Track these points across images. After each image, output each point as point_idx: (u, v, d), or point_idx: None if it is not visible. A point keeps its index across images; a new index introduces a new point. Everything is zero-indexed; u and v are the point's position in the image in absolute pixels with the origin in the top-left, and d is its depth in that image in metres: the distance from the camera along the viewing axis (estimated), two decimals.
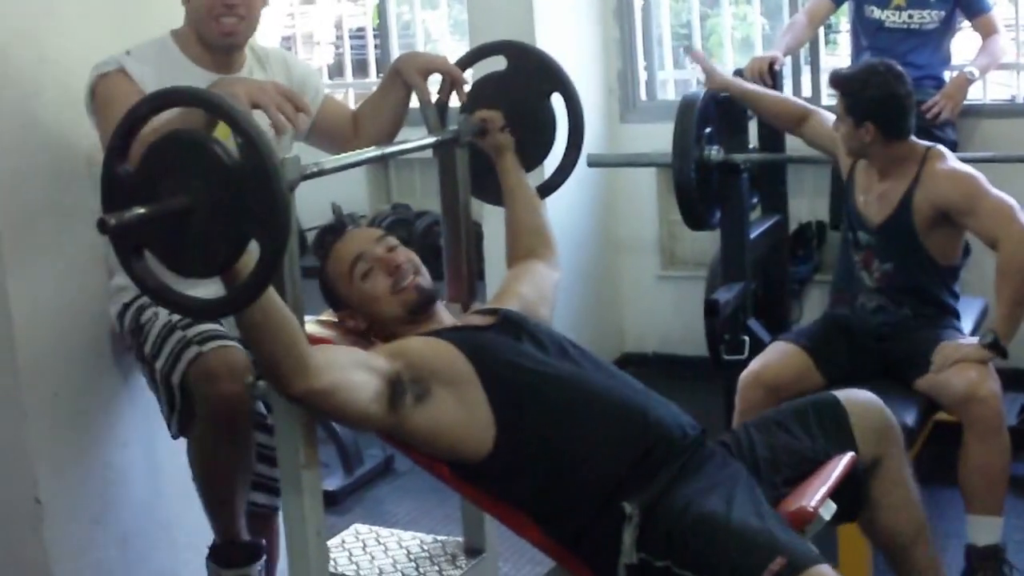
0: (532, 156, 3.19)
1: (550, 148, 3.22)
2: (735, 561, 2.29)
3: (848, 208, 3.84)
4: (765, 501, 2.48)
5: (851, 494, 2.69)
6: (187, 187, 2.13)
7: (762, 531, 2.32)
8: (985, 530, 3.45)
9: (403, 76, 3.10)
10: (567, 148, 3.23)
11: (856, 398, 2.81)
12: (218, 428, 2.89)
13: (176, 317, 2.88)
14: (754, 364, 3.67)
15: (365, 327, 2.78)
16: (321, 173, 2.52)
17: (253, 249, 2.15)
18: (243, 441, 2.98)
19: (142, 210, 2.11)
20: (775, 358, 3.66)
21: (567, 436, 2.55)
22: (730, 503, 2.40)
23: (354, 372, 2.42)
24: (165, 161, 2.17)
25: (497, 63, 3.25)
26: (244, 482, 3.04)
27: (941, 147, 3.71)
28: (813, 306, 4.08)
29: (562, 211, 4.41)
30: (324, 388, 2.36)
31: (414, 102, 3.13)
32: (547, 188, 3.26)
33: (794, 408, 2.86)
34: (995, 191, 3.55)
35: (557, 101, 3.22)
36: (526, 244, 3.11)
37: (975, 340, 3.52)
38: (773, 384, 3.55)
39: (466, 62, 3.24)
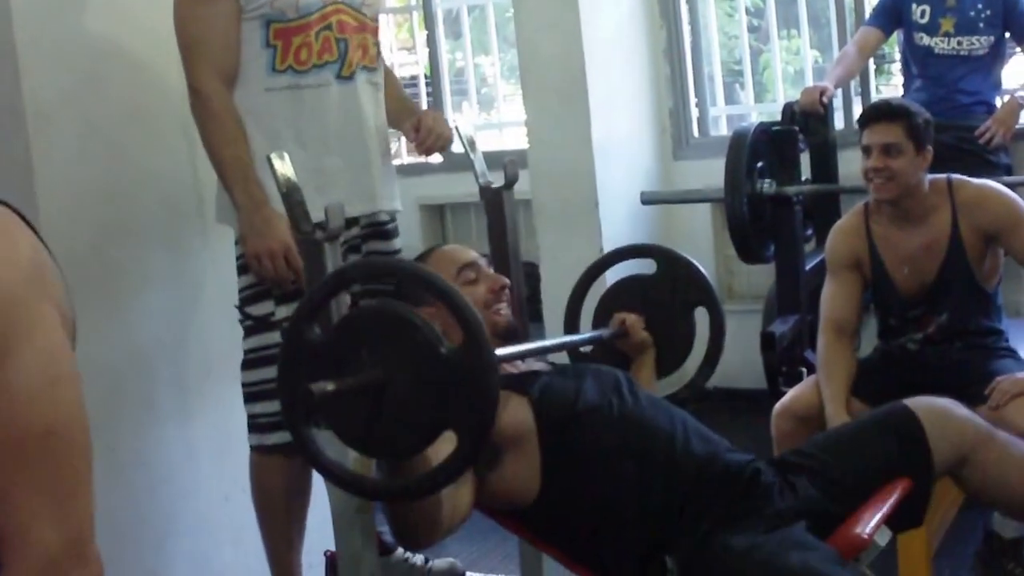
0: (664, 364, 3.13)
1: (683, 361, 3.15)
2: None
3: (885, 302, 3.75)
4: (809, 536, 2.46)
5: (911, 509, 2.67)
6: (383, 363, 2.06)
7: (817, 569, 2.31)
8: (1012, 528, 3.52)
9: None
10: (703, 364, 3.14)
11: (931, 406, 2.75)
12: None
13: None
14: (787, 395, 3.66)
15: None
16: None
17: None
18: (300, 499, 3.17)
19: (332, 386, 2.01)
20: (807, 389, 3.63)
21: (612, 477, 2.53)
22: (780, 545, 2.38)
23: (463, 487, 2.42)
24: (363, 332, 2.11)
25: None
26: (301, 535, 3.14)
27: (955, 175, 3.65)
28: (871, 335, 4.05)
29: None
30: (446, 533, 2.40)
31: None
32: (672, 399, 3.19)
33: (868, 422, 2.85)
34: None
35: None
36: None
37: None
38: (804, 414, 3.53)
39: (611, 261, 3.31)
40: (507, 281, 2.81)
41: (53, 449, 1.28)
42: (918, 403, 2.76)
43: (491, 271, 2.85)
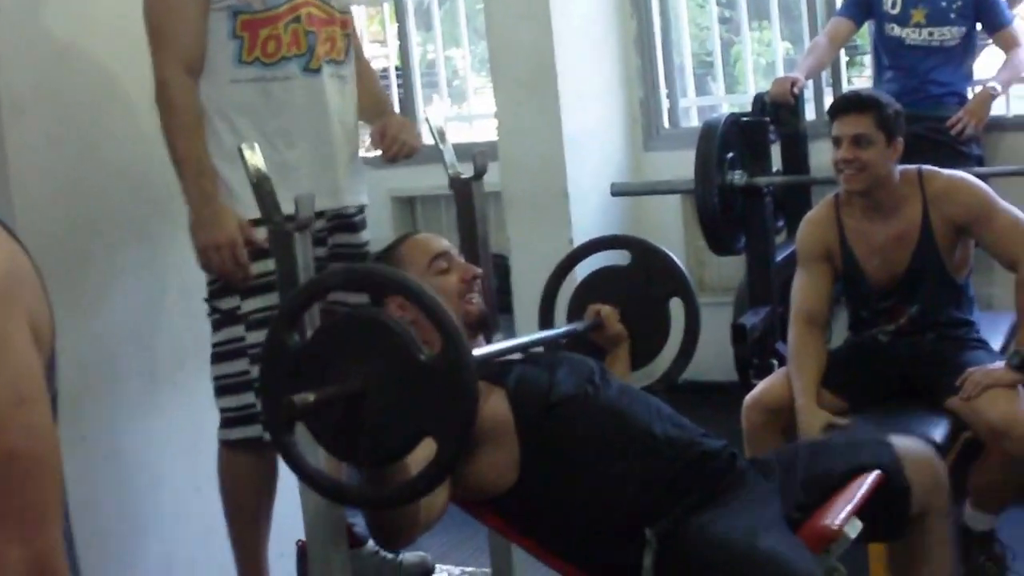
0: (639, 356, 3.12)
1: (658, 352, 3.15)
2: None
3: (856, 293, 3.76)
4: (787, 527, 2.46)
5: (889, 512, 2.66)
6: (362, 370, 2.05)
7: (784, 558, 2.31)
8: (983, 521, 3.55)
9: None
10: (678, 355, 3.14)
11: (912, 449, 2.76)
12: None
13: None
14: (757, 388, 3.66)
15: (411, 320, 2.73)
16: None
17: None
18: (267, 493, 3.18)
19: (312, 396, 2.01)
20: (778, 381, 3.63)
21: (591, 465, 2.53)
22: (753, 530, 2.38)
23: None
24: (342, 339, 2.11)
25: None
26: (267, 528, 3.14)
27: (925, 166, 3.63)
28: (842, 327, 4.06)
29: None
30: (423, 531, 2.39)
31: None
32: (647, 391, 3.20)
33: (842, 440, 2.87)
34: (1001, 201, 3.53)
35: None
36: None
37: (1002, 364, 3.43)
38: (774, 407, 3.53)
39: (585, 252, 3.28)
40: (479, 270, 2.80)
41: (18, 472, 1.23)
42: (898, 440, 2.77)
43: (463, 260, 2.83)
